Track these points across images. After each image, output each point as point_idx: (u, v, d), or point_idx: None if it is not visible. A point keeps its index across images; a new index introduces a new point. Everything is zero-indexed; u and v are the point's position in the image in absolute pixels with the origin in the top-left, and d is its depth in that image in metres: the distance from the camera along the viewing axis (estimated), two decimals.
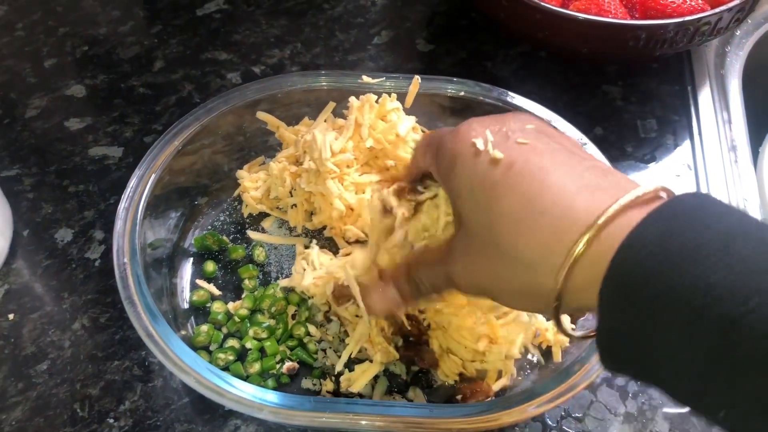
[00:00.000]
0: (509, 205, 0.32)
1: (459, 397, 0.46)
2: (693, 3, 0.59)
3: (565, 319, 0.42)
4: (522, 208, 0.32)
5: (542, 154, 0.33)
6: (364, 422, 0.40)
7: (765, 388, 0.24)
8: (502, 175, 0.33)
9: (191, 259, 0.53)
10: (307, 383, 0.48)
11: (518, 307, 0.42)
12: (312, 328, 0.49)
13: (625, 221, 0.29)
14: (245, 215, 0.55)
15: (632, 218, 0.29)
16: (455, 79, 0.54)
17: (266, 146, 0.57)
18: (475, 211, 0.34)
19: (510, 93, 0.54)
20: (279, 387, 0.48)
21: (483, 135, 0.35)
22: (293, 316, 0.50)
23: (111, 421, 0.46)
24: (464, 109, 0.55)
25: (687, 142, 0.63)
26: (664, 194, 0.31)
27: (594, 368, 0.41)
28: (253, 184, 0.55)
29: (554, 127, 0.38)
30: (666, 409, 0.47)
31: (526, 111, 0.38)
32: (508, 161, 0.33)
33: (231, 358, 0.48)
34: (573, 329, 0.35)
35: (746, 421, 0.26)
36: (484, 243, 0.34)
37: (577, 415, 0.47)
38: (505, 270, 0.33)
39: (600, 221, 0.29)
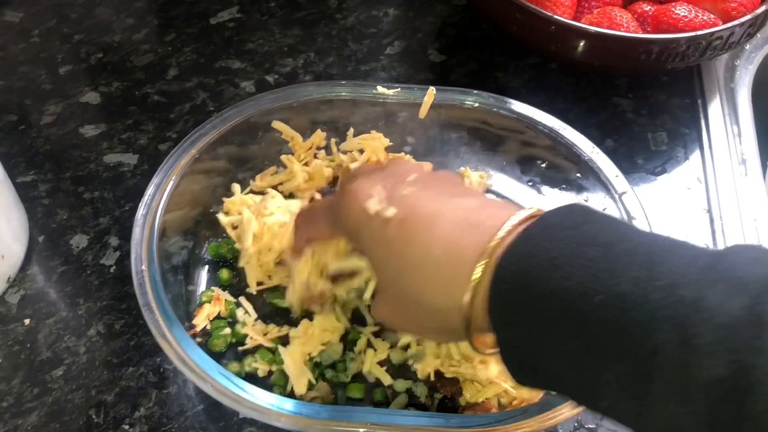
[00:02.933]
0: (409, 257, 0.35)
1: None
2: (705, 18, 0.60)
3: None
4: (421, 259, 0.35)
5: (428, 202, 0.37)
6: (381, 431, 0.40)
7: (621, 373, 0.28)
8: (397, 230, 0.36)
9: (207, 267, 0.53)
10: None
11: (440, 341, 0.46)
12: None
13: (504, 245, 0.32)
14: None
15: (508, 242, 0.32)
16: (470, 91, 0.55)
17: (280, 155, 0.57)
18: (383, 266, 0.38)
19: (522, 104, 0.55)
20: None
21: (374, 194, 0.38)
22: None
23: (126, 427, 0.47)
24: (476, 120, 0.56)
25: (697, 155, 0.63)
26: (537, 216, 0.34)
27: None
28: (235, 206, 0.54)
29: (430, 170, 0.42)
30: None
31: (406, 159, 0.41)
32: (401, 216, 0.36)
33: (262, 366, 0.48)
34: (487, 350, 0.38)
35: (620, 407, 0.29)
36: (397, 292, 0.37)
37: (590, 426, 0.47)
38: (419, 314, 0.37)
39: (489, 248, 0.32)
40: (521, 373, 0.34)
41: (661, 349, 0.26)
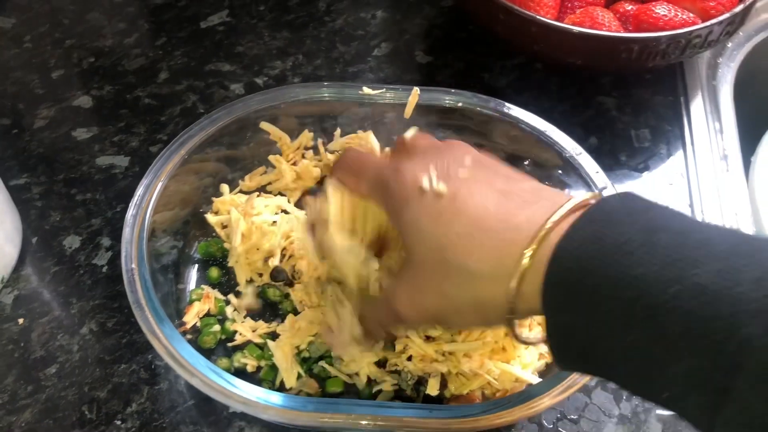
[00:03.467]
0: (458, 226, 0.35)
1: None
2: (684, 16, 0.61)
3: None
4: (470, 229, 0.34)
5: (482, 183, 0.36)
6: (365, 422, 0.41)
7: (693, 366, 0.27)
8: (448, 204, 0.36)
9: (196, 266, 0.54)
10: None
11: (466, 323, 0.43)
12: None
13: (560, 230, 0.32)
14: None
15: (564, 226, 0.32)
16: (453, 90, 0.56)
17: (268, 155, 0.58)
18: (423, 241, 0.37)
19: (507, 104, 0.56)
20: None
21: (427, 174, 0.37)
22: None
23: (118, 423, 0.48)
24: (462, 119, 0.57)
25: (680, 152, 0.64)
26: (593, 201, 0.33)
27: None
28: (224, 206, 0.55)
29: (489, 156, 0.41)
30: (659, 411, 0.49)
31: (462, 142, 0.41)
32: (452, 192, 0.36)
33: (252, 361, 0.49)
34: (526, 337, 0.38)
35: (684, 400, 0.28)
36: (434, 265, 0.36)
37: (572, 417, 0.48)
38: (455, 287, 0.36)
39: (542, 233, 0.32)
40: (569, 358, 0.33)
41: (749, 344, 0.25)
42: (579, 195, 0.34)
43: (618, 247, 0.29)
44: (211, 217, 0.55)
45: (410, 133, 0.44)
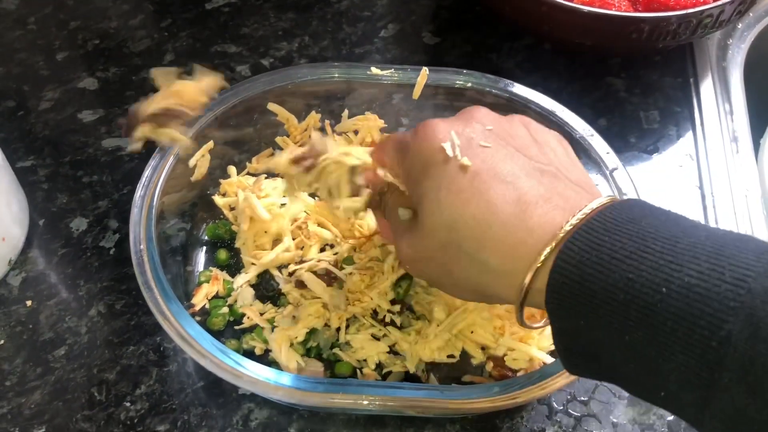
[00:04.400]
0: (474, 211, 0.35)
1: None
2: None
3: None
4: (486, 217, 0.35)
5: (503, 162, 0.36)
6: (376, 403, 0.41)
7: (683, 364, 0.28)
8: (469, 182, 0.35)
9: (204, 248, 0.54)
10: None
11: (462, 298, 0.46)
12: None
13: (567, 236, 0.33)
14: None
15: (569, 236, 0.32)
16: (463, 71, 0.55)
17: (276, 137, 0.58)
18: (439, 213, 0.36)
19: (516, 84, 0.55)
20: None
21: (449, 138, 0.37)
22: None
23: (127, 404, 0.48)
24: (470, 101, 0.56)
25: (689, 134, 0.64)
26: (602, 206, 0.34)
27: None
28: (231, 188, 0.55)
29: (508, 118, 0.40)
30: None
31: (482, 106, 0.41)
32: (475, 169, 0.36)
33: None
34: (531, 324, 0.38)
35: (678, 399, 0.29)
36: (444, 242, 0.36)
37: (582, 398, 0.48)
38: (461, 270, 0.37)
39: (557, 239, 0.33)
40: (575, 363, 0.34)
41: (730, 340, 0.26)
42: (596, 200, 0.34)
43: (614, 253, 0.30)
44: (218, 199, 0.54)
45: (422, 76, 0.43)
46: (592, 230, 0.32)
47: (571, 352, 0.34)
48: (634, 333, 0.29)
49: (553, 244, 0.33)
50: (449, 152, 0.36)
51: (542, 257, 0.33)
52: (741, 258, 0.28)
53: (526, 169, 0.36)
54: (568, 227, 0.33)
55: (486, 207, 0.35)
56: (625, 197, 0.49)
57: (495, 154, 0.36)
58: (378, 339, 0.49)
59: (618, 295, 0.30)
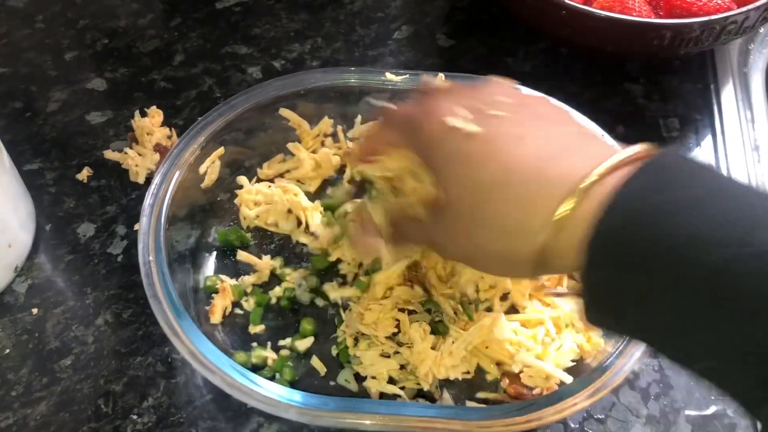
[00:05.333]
0: (488, 174, 0.33)
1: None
2: (719, 1, 0.59)
3: None
4: (500, 178, 0.33)
5: (517, 124, 0.34)
6: (392, 424, 0.40)
7: (744, 336, 0.26)
8: (479, 146, 0.34)
9: (215, 253, 0.53)
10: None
11: (497, 273, 0.43)
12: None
13: (608, 183, 0.30)
14: (244, 227, 0.55)
15: (613, 180, 0.30)
16: (479, 78, 0.54)
17: (287, 142, 0.57)
18: (455, 183, 0.35)
19: (531, 90, 0.54)
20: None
21: (456, 112, 0.35)
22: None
23: (134, 417, 0.47)
24: None
25: (709, 142, 0.62)
26: (641, 157, 0.31)
27: (620, 372, 0.41)
28: (250, 196, 0.54)
29: (538, 96, 0.38)
30: (688, 412, 0.47)
31: (503, 80, 0.39)
32: (485, 134, 0.34)
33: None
34: (556, 290, 0.39)
35: (729, 375, 0.27)
36: (465, 211, 0.35)
37: (599, 416, 0.47)
38: (485, 236, 0.35)
39: (583, 184, 0.30)
40: (604, 315, 0.32)
41: None
42: (624, 151, 0.32)
43: (674, 204, 0.28)
44: (245, 212, 0.53)
45: (439, 80, 0.42)
46: (644, 179, 0.29)
47: (603, 305, 0.31)
48: (688, 294, 0.27)
49: (582, 187, 0.30)
50: (456, 124, 0.35)
51: (565, 207, 0.31)
52: None
53: (543, 129, 0.34)
54: (594, 177, 0.30)
55: (500, 168, 0.33)
56: None
57: (508, 120, 0.35)
58: (388, 356, 0.47)
59: (675, 249, 0.27)
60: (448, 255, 0.41)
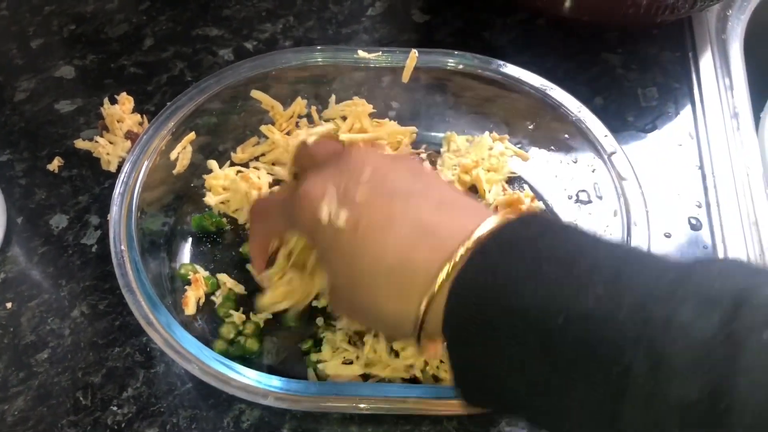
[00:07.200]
0: (361, 266, 0.35)
1: None
2: None
3: None
4: (372, 269, 0.34)
5: (381, 207, 0.35)
6: (369, 405, 0.39)
7: (586, 393, 0.27)
8: (350, 239, 0.35)
9: (190, 239, 0.52)
10: None
11: (389, 338, 0.45)
12: None
13: (459, 266, 0.31)
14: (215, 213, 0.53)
15: (461, 263, 0.31)
16: (454, 52, 0.53)
17: (261, 125, 0.56)
18: (332, 271, 0.37)
19: (508, 65, 0.53)
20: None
21: (326, 199, 0.36)
22: None
23: (114, 408, 0.46)
24: (462, 82, 0.55)
25: (688, 110, 0.62)
26: (492, 231, 0.32)
27: None
28: (218, 182, 0.53)
29: (390, 157, 0.40)
30: None
31: (364, 147, 0.42)
32: (352, 224, 0.35)
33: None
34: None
35: (587, 429, 0.28)
36: (347, 295, 0.37)
37: None
38: (368, 317, 0.38)
39: (440, 277, 0.32)
40: (474, 394, 0.33)
41: (630, 371, 0.25)
42: (482, 225, 0.32)
43: (507, 278, 0.29)
44: (210, 198, 0.52)
45: (311, 139, 0.43)
46: (486, 253, 0.31)
47: (470, 383, 0.33)
48: (535, 363, 0.28)
49: (446, 271, 0.32)
50: (324, 217, 0.36)
51: (432, 287, 0.32)
52: (640, 280, 0.27)
53: (405, 207, 0.35)
54: (457, 257, 0.32)
55: (371, 258, 0.34)
56: (624, 182, 0.47)
57: (372, 203, 0.36)
58: (351, 363, 0.47)
59: (516, 321, 0.29)
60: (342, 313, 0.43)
